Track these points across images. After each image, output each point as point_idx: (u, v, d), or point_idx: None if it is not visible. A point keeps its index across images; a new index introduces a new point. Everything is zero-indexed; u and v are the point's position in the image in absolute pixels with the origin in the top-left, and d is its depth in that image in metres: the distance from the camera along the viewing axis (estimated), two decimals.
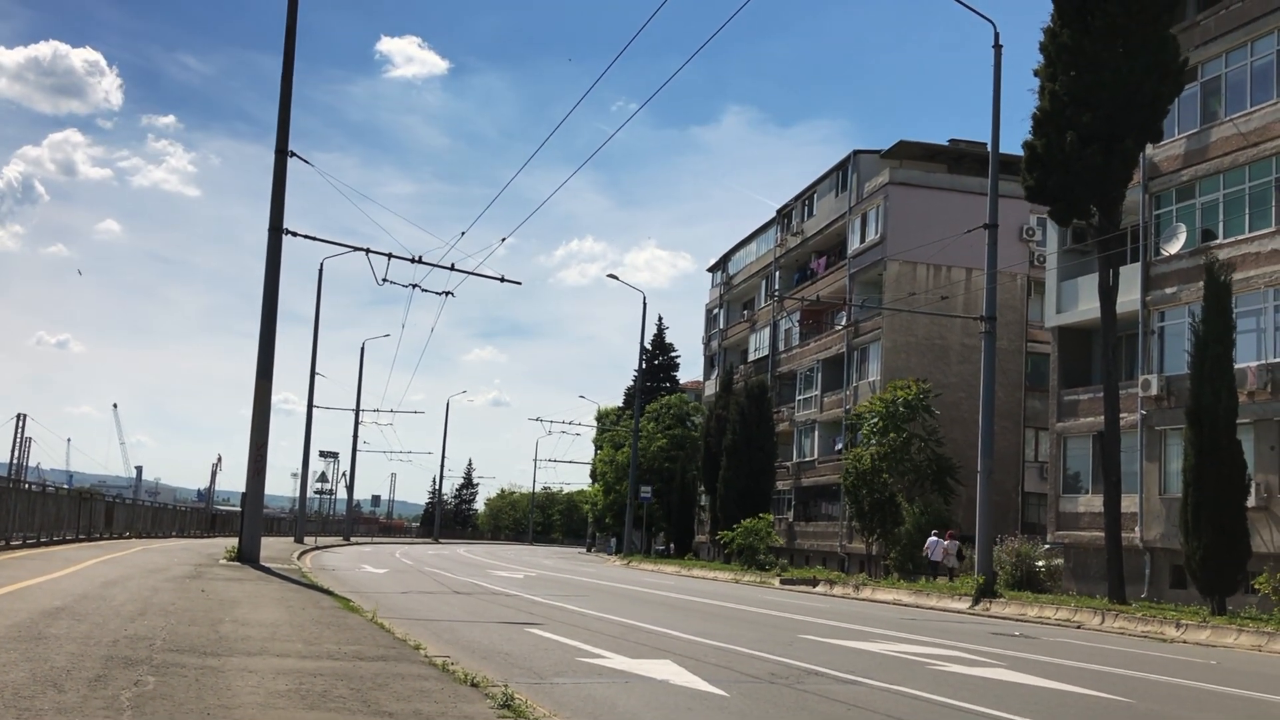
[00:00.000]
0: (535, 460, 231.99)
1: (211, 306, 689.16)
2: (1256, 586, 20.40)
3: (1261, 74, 25.84)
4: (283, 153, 20.41)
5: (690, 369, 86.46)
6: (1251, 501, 21.85)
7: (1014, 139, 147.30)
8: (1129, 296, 27.61)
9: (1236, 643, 16.92)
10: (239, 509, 27.97)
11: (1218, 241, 26.31)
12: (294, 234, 21.52)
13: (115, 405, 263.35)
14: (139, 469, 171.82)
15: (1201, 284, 22.42)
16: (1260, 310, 25.21)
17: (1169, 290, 27.84)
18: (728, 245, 73.05)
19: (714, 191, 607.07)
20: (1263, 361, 24.70)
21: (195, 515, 51.07)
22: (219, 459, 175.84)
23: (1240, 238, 25.84)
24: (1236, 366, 21.77)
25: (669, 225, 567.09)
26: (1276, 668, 13.80)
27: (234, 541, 24.31)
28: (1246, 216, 25.92)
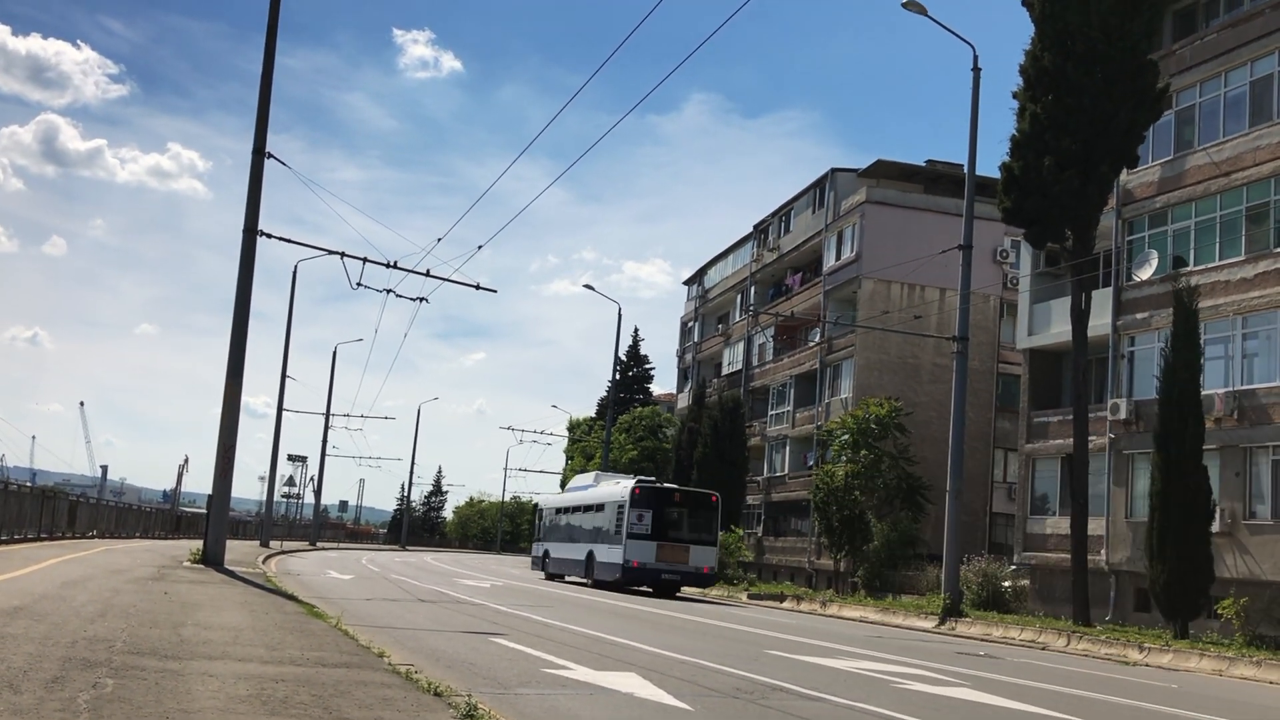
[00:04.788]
0: (505, 469, 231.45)
1: (159, 298, 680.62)
2: (1219, 611, 20.59)
3: (1235, 104, 26.18)
4: (260, 153, 20.27)
5: (663, 380, 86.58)
6: (1216, 527, 22.06)
7: (990, 161, 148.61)
8: (1100, 321, 27.85)
9: (1198, 666, 17.06)
10: (205, 511, 27.74)
11: (1189, 269, 26.58)
12: (270, 236, 21.40)
13: (82, 404, 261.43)
14: (104, 468, 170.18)
15: (1171, 310, 22.66)
16: (1229, 338, 25.49)
17: (1140, 315, 28.10)
18: (689, 245, 73.37)
19: (675, 186, 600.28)
20: (1230, 388, 24.96)
21: (160, 516, 50.57)
22: (186, 460, 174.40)
23: (1211, 265, 26.12)
24: (1204, 393, 21.99)
25: (628, 223, 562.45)
26: (1236, 692, 13.91)
27: (199, 544, 24.08)
28: (1217, 245, 26.23)
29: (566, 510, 33.29)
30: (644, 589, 27.03)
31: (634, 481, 29.19)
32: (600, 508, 29.99)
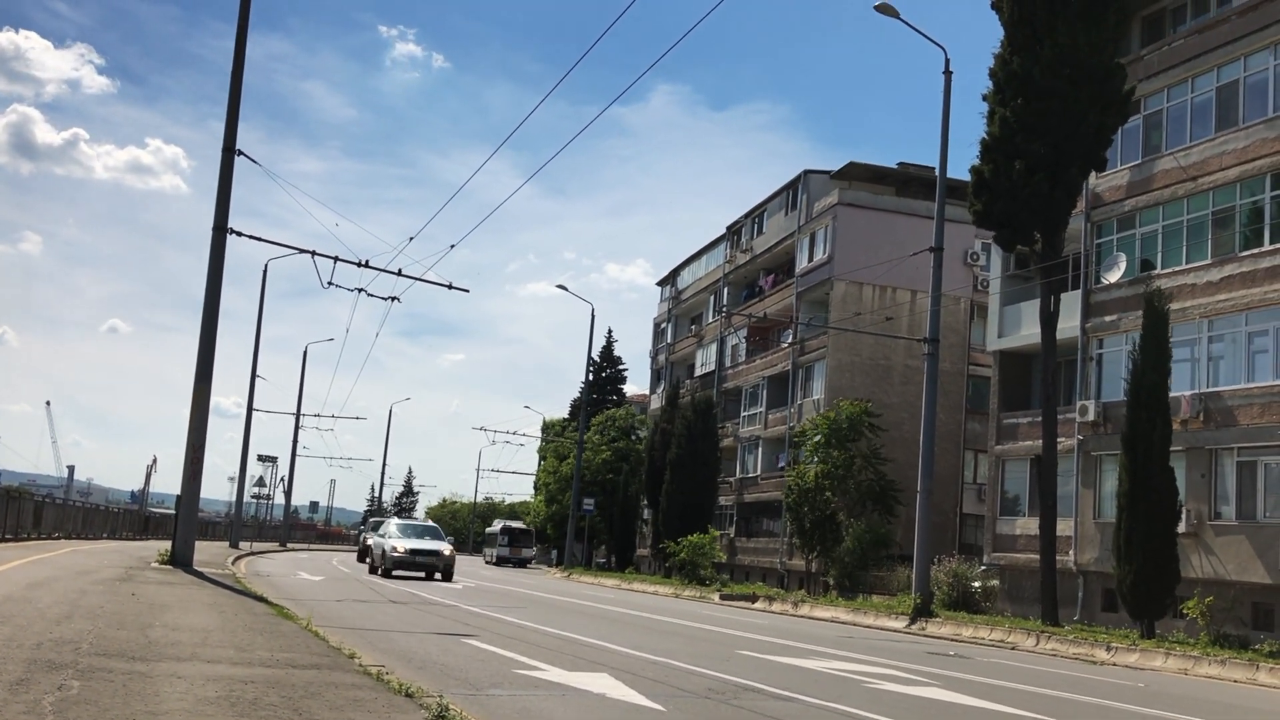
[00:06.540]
0: (478, 469, 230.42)
1: (125, 295, 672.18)
2: (1185, 611, 20.81)
3: (1201, 110, 26.48)
4: (230, 151, 20.13)
5: (637, 380, 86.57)
6: (1182, 528, 22.29)
7: (961, 164, 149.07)
8: (1069, 323, 28.09)
9: (1164, 665, 17.23)
10: (173, 512, 27.50)
11: (1156, 272, 26.86)
12: (240, 234, 21.24)
13: (48, 403, 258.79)
14: (71, 469, 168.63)
15: (1139, 313, 22.88)
16: (1195, 340, 25.77)
17: (1108, 318, 28.36)
18: (659, 241, 73.48)
19: (642, 180, 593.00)
20: (1196, 391, 25.23)
21: (128, 517, 50.07)
22: (154, 460, 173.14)
23: (1178, 269, 26.40)
24: (1171, 395, 22.23)
25: (596, 218, 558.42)
26: (1201, 690, 14.06)
27: (167, 545, 23.87)
28: (1184, 248, 26.51)
29: (490, 534, 67.86)
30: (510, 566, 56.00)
31: (501, 523, 65.37)
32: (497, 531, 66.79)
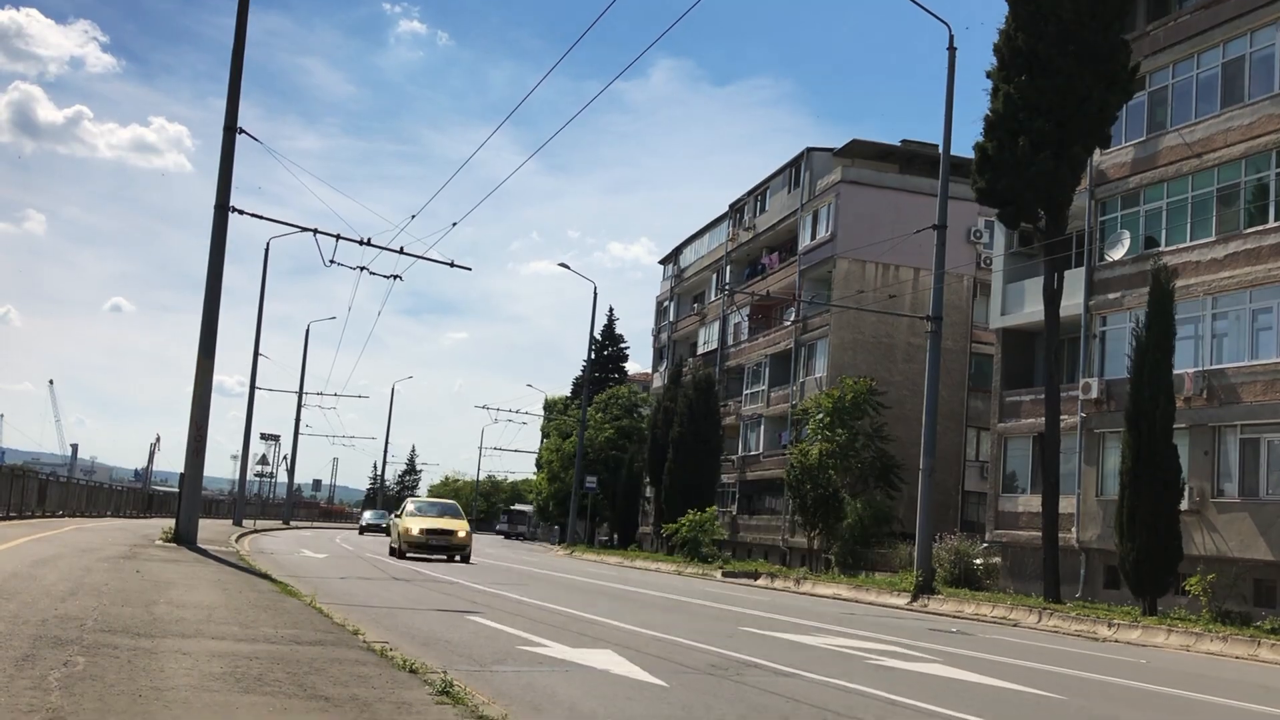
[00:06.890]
0: (480, 448, 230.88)
1: (128, 274, 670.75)
2: (1187, 588, 20.85)
3: (1207, 86, 26.32)
4: (231, 129, 20.07)
5: (640, 358, 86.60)
6: (1185, 505, 22.30)
7: (965, 141, 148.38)
8: (1072, 300, 28.02)
9: (1166, 642, 17.28)
10: (177, 490, 27.56)
11: (1160, 249, 26.78)
12: (242, 212, 21.20)
13: (51, 382, 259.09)
14: (74, 447, 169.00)
15: (1144, 290, 22.85)
16: (1199, 318, 25.71)
17: (1112, 295, 28.29)
18: (659, 217, 73.22)
19: (642, 158, 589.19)
20: (1200, 368, 25.20)
21: (132, 495, 50.21)
22: (157, 439, 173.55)
23: (1181, 246, 26.31)
24: (1174, 372, 22.19)
25: (595, 194, 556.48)
26: (1203, 667, 14.10)
27: (171, 523, 23.93)
28: (1189, 225, 26.41)
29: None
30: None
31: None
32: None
